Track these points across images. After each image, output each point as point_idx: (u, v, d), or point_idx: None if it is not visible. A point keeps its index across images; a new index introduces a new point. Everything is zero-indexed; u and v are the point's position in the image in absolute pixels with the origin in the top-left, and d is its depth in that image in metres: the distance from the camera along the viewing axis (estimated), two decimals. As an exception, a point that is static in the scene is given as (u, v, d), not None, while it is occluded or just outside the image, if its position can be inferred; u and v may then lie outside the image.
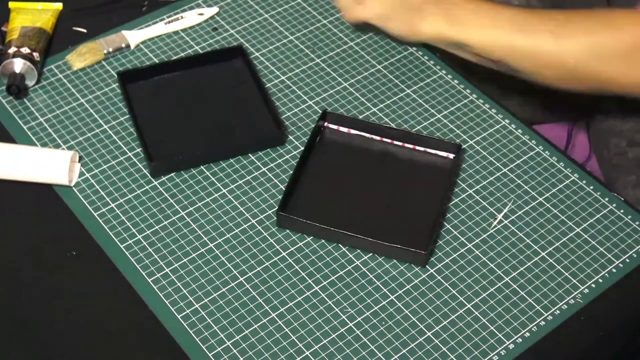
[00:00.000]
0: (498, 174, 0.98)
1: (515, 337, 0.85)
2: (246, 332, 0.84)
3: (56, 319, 0.85)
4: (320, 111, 1.03)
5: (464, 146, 1.01)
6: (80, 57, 1.09)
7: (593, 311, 0.87)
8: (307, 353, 0.83)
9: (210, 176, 0.97)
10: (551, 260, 0.91)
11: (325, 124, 1.02)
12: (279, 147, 1.01)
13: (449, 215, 0.95)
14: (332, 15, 1.17)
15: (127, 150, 1.00)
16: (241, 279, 0.88)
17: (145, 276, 0.88)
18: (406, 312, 0.86)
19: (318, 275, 0.89)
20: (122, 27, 1.14)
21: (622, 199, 0.97)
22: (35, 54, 1.06)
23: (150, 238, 0.91)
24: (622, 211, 0.96)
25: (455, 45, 1.03)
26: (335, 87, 1.08)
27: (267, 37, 1.14)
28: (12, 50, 1.06)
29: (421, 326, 0.85)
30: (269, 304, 0.86)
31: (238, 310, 0.86)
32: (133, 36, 1.12)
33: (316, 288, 0.88)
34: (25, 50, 1.05)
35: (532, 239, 0.93)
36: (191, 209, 0.94)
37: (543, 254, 0.92)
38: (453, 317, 0.86)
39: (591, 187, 0.98)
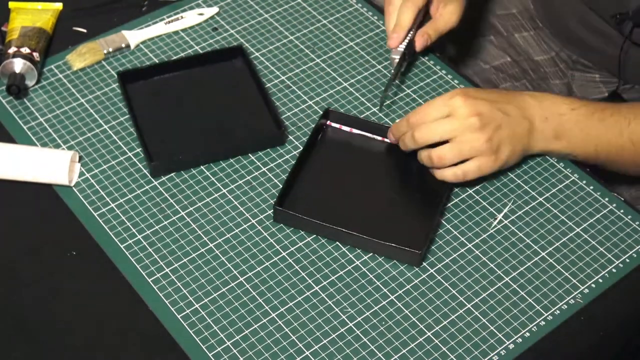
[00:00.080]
0: (498, 174, 0.98)
1: (515, 337, 0.85)
2: (246, 332, 0.84)
3: (56, 319, 0.85)
4: (321, 111, 1.03)
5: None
6: (80, 57, 1.09)
7: (593, 311, 0.87)
8: (307, 353, 0.83)
9: (210, 176, 0.97)
10: (551, 260, 0.91)
11: (328, 122, 1.02)
12: (279, 147, 1.01)
13: (448, 215, 0.95)
14: (332, 15, 1.17)
15: (127, 150, 1.00)
16: (241, 278, 0.88)
17: (145, 276, 0.88)
18: (406, 312, 0.86)
19: (318, 275, 0.89)
20: (122, 27, 1.14)
21: (622, 199, 0.97)
22: (35, 54, 1.06)
23: (150, 238, 0.91)
24: (622, 211, 0.96)
25: (559, 154, 1.00)
26: (336, 87, 1.08)
27: (267, 37, 1.14)
28: (12, 50, 1.06)
29: (421, 326, 0.85)
30: (269, 304, 0.86)
31: (238, 310, 0.86)
32: (133, 36, 1.12)
33: (316, 288, 0.88)
34: (25, 50, 1.05)
35: (532, 239, 0.93)
36: (191, 209, 0.94)
37: (543, 254, 0.92)
38: (453, 317, 0.86)
39: (591, 187, 0.98)
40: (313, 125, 1.01)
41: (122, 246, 0.90)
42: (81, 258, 0.90)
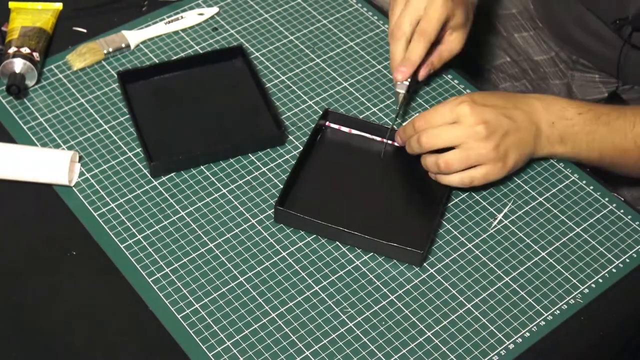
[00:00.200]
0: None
1: (515, 337, 0.85)
2: (246, 332, 0.84)
3: (56, 319, 0.85)
4: (321, 111, 1.04)
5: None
6: (80, 57, 1.09)
7: (593, 311, 0.87)
8: (307, 353, 0.83)
9: (210, 176, 0.97)
10: (551, 260, 0.91)
11: (327, 122, 1.02)
12: (279, 147, 1.01)
13: (449, 215, 0.95)
14: (332, 15, 1.17)
15: (127, 150, 1.00)
16: (241, 278, 0.88)
17: (145, 276, 0.88)
18: (406, 312, 0.86)
19: (318, 275, 0.89)
20: (122, 27, 1.14)
21: (622, 199, 0.97)
22: (35, 54, 1.06)
23: (150, 238, 0.91)
24: (622, 211, 0.96)
25: (563, 157, 1.00)
26: (335, 87, 1.08)
27: (267, 37, 1.14)
28: (12, 50, 1.06)
29: (421, 326, 0.85)
30: (269, 304, 0.86)
31: (238, 310, 0.86)
32: (133, 36, 1.12)
33: (316, 288, 0.88)
34: (25, 50, 1.05)
35: (532, 239, 0.93)
36: (191, 209, 0.94)
37: (543, 254, 0.92)
38: (453, 317, 0.86)
39: (591, 187, 0.98)
40: (313, 126, 1.01)
41: (122, 246, 0.90)
42: (81, 258, 0.90)
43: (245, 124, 1.02)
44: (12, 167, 0.95)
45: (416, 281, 0.89)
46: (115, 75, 1.06)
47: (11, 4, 1.15)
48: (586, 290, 0.89)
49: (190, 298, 0.86)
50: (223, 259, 0.90)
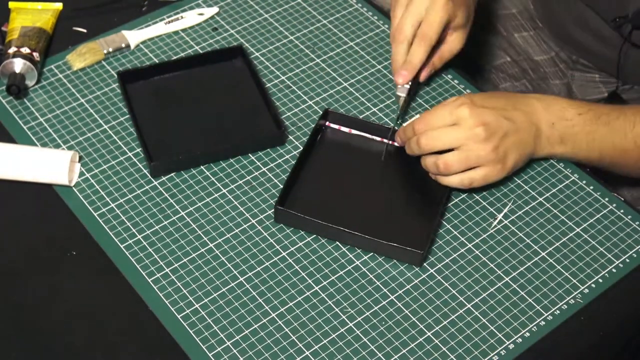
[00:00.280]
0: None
1: (515, 337, 0.85)
2: (246, 332, 0.84)
3: (56, 319, 0.85)
4: (321, 111, 1.04)
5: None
6: (80, 57, 1.09)
7: (593, 311, 0.87)
8: (307, 353, 0.83)
9: (210, 176, 0.97)
10: (551, 260, 0.91)
11: (327, 122, 1.02)
12: (279, 147, 1.01)
13: (448, 215, 0.95)
14: (332, 15, 1.17)
15: (127, 150, 1.00)
16: (241, 279, 0.88)
17: (145, 276, 0.88)
18: (406, 312, 0.86)
19: (318, 275, 0.89)
20: (122, 27, 1.14)
21: (622, 199, 0.97)
22: (35, 54, 1.06)
23: (150, 238, 0.91)
24: (622, 211, 0.96)
25: (562, 158, 1.00)
26: (335, 87, 1.08)
27: (267, 37, 1.14)
28: (12, 50, 1.06)
29: (421, 326, 0.85)
30: (269, 304, 0.86)
31: (238, 310, 0.86)
32: (133, 36, 1.12)
33: (316, 288, 0.88)
34: (25, 50, 1.05)
35: (532, 239, 0.93)
36: (191, 209, 0.94)
37: (543, 254, 0.92)
38: (453, 317, 0.86)
39: (591, 187, 0.98)
40: (313, 126, 1.01)
41: (122, 246, 0.90)
42: (81, 258, 0.90)
43: (245, 124, 1.02)
44: (12, 167, 0.95)
45: (416, 281, 0.89)
46: (115, 75, 1.06)
47: (11, 4, 1.15)
48: (586, 290, 0.89)
49: (190, 298, 0.86)
50: (223, 259, 0.90)
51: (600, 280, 0.90)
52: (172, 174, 0.97)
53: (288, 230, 0.92)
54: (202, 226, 0.93)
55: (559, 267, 0.90)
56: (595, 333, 0.86)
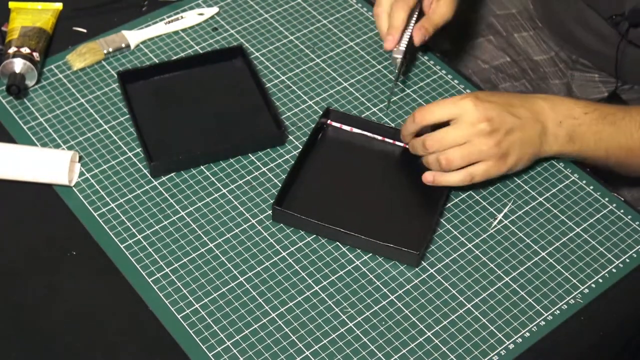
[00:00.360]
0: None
1: (515, 337, 0.85)
2: (246, 332, 0.84)
3: (56, 319, 0.85)
4: (321, 111, 1.03)
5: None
6: (80, 57, 1.09)
7: (593, 311, 0.87)
8: (307, 353, 0.83)
9: (210, 176, 0.97)
10: (551, 260, 0.91)
11: (328, 121, 1.02)
12: (279, 147, 1.01)
13: (448, 215, 0.95)
14: (332, 15, 1.17)
15: (127, 150, 1.00)
16: (241, 279, 0.88)
17: (145, 276, 0.88)
18: (406, 312, 0.86)
19: (318, 275, 0.89)
20: (122, 27, 1.14)
21: (622, 199, 0.97)
22: (35, 54, 1.06)
23: (150, 238, 0.91)
24: (622, 211, 0.96)
25: (569, 157, 1.00)
26: (336, 87, 1.08)
27: (267, 37, 1.14)
28: (12, 50, 1.06)
29: (421, 326, 0.85)
30: (269, 304, 0.86)
31: (238, 310, 0.86)
32: (133, 36, 1.12)
33: (316, 288, 0.88)
34: (25, 50, 1.05)
35: (532, 239, 0.93)
36: (191, 209, 0.94)
37: (543, 254, 0.92)
38: (453, 317, 0.86)
39: (591, 187, 0.98)
40: (313, 125, 1.01)
41: (122, 246, 0.90)
42: (81, 258, 0.90)
43: (245, 124, 1.02)
44: (12, 167, 0.95)
45: (416, 281, 0.89)
46: (115, 75, 1.06)
47: (11, 4, 1.15)
48: (586, 290, 0.89)
49: (190, 298, 0.86)
50: (223, 259, 0.90)
51: (600, 280, 0.90)
52: (172, 174, 0.97)
53: (288, 230, 0.92)
54: (202, 226, 0.93)
55: (559, 267, 0.90)
56: (595, 333, 0.86)
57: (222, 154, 0.99)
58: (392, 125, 1.03)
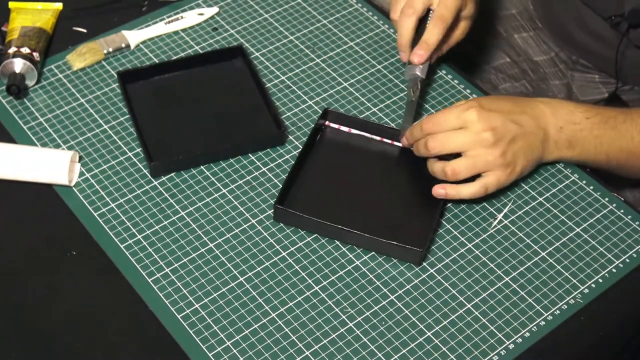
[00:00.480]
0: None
1: (515, 337, 0.85)
2: (246, 332, 0.84)
3: (56, 319, 0.85)
4: (321, 111, 1.03)
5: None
6: (80, 57, 1.09)
7: (593, 311, 0.87)
8: (307, 353, 0.83)
9: (210, 176, 0.97)
10: (551, 260, 0.91)
11: (326, 122, 1.02)
12: (279, 147, 1.01)
13: (448, 215, 0.95)
14: (332, 15, 1.17)
15: (127, 150, 1.00)
16: (241, 278, 0.88)
17: (145, 276, 0.88)
18: (406, 312, 0.86)
19: (318, 275, 0.89)
20: (122, 27, 1.14)
21: (622, 199, 0.97)
22: (35, 54, 1.06)
23: (150, 238, 0.91)
24: (622, 211, 0.96)
25: (570, 161, 1.00)
26: (335, 87, 1.08)
27: (267, 37, 1.14)
28: (12, 50, 1.06)
29: (421, 326, 0.85)
30: (269, 304, 0.86)
31: (238, 310, 0.86)
32: (133, 36, 1.12)
33: (316, 288, 0.88)
34: (25, 50, 1.05)
35: (532, 239, 0.93)
36: (191, 209, 0.94)
37: (543, 254, 0.92)
38: (453, 317, 0.86)
39: (591, 187, 0.98)
40: (313, 125, 1.01)
41: (122, 246, 0.90)
42: (81, 258, 0.90)
43: (245, 124, 1.02)
44: (12, 167, 0.95)
45: (416, 281, 0.89)
46: (115, 75, 1.06)
47: (11, 4, 1.15)
48: (586, 290, 0.89)
49: (190, 298, 0.86)
50: (223, 259, 0.90)
51: (600, 280, 0.90)
52: (172, 174, 0.97)
53: (288, 230, 0.92)
54: (202, 226, 0.93)
55: (559, 267, 0.90)
56: (595, 333, 0.86)
57: (222, 154, 0.99)
58: (392, 125, 1.03)
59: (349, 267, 0.89)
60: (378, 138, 1.01)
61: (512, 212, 0.95)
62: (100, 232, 0.92)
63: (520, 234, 0.93)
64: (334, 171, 0.98)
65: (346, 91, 1.07)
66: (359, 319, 0.85)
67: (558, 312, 0.87)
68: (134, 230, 0.92)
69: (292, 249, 0.91)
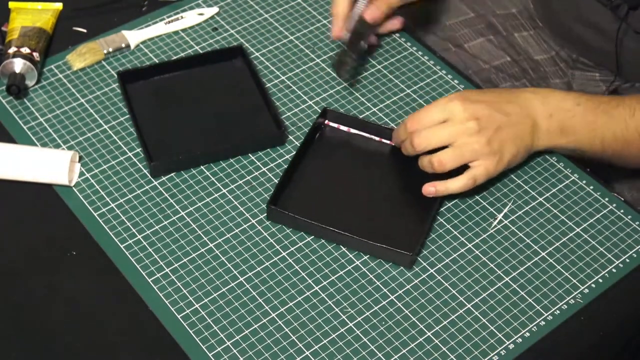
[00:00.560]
0: (498, 174, 0.98)
1: (515, 337, 0.85)
2: (246, 332, 0.84)
3: (56, 319, 0.85)
4: (320, 111, 1.03)
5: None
6: (80, 57, 1.09)
7: (593, 311, 0.87)
8: (307, 353, 0.83)
9: (210, 176, 0.97)
10: (551, 260, 0.91)
11: (325, 121, 1.02)
12: (279, 147, 1.01)
13: (448, 215, 0.95)
14: (332, 15, 1.17)
15: (127, 150, 1.00)
16: (241, 278, 0.88)
17: (145, 276, 0.88)
18: (406, 312, 0.86)
19: (318, 275, 0.89)
20: (122, 27, 1.14)
21: (622, 199, 0.97)
22: (35, 54, 1.06)
23: (150, 238, 0.91)
24: (622, 211, 0.96)
25: (565, 149, 0.99)
26: (335, 87, 1.08)
27: (267, 37, 1.14)
28: (12, 50, 1.06)
29: (421, 326, 0.85)
30: (269, 304, 0.86)
31: (238, 310, 0.86)
32: (133, 36, 1.12)
33: (316, 288, 0.88)
34: (25, 50, 1.05)
35: (532, 239, 0.93)
36: (191, 209, 0.94)
37: (543, 254, 0.92)
38: (453, 317, 0.86)
39: (591, 187, 0.98)
40: (312, 124, 1.01)
41: (122, 246, 0.90)
42: (81, 258, 0.90)
43: (245, 124, 1.02)
44: (12, 167, 0.95)
45: (416, 281, 0.89)
46: (115, 75, 1.06)
47: (11, 4, 1.15)
48: (586, 290, 0.89)
49: (190, 298, 0.86)
50: (223, 259, 0.90)
51: (600, 280, 0.90)
52: (172, 174, 0.97)
53: (288, 231, 0.92)
54: (202, 226, 0.93)
55: (559, 267, 0.90)
56: (595, 333, 0.86)
57: (222, 154, 0.99)
58: (392, 125, 1.03)
59: (349, 267, 0.89)
60: (377, 138, 1.01)
61: (512, 212, 0.95)
62: (100, 232, 0.92)
63: (520, 234, 0.93)
64: (332, 171, 0.98)
65: (346, 91, 1.07)
66: (359, 319, 0.85)
67: (558, 312, 0.87)
68: (134, 230, 0.92)
69: (292, 249, 0.91)
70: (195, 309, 0.85)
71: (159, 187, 0.96)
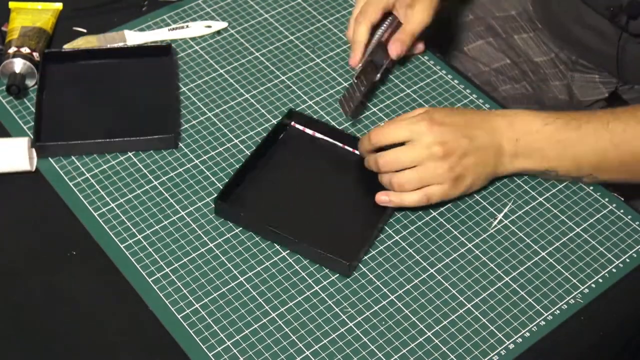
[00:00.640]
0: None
1: (515, 337, 0.85)
2: (246, 332, 0.84)
3: (56, 319, 0.85)
4: (320, 111, 1.03)
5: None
6: (74, 44, 1.09)
7: (593, 311, 0.87)
8: (307, 353, 0.83)
9: (210, 176, 0.97)
10: (551, 260, 0.91)
11: (292, 123, 1.02)
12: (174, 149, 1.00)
13: (448, 215, 0.95)
14: (332, 15, 1.17)
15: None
16: (241, 278, 0.88)
17: (145, 276, 0.88)
18: (406, 312, 0.86)
19: (318, 275, 0.89)
20: (122, 27, 1.14)
21: (622, 199, 0.97)
22: (35, 54, 1.06)
23: (150, 238, 0.91)
24: (622, 211, 0.96)
25: (535, 172, 0.98)
26: (335, 87, 1.08)
27: (267, 37, 1.14)
28: (12, 50, 1.06)
29: (421, 326, 0.85)
30: (269, 303, 0.86)
31: (238, 310, 0.86)
32: (133, 37, 1.12)
33: (316, 288, 0.88)
34: (25, 50, 1.06)
35: (532, 239, 0.93)
36: (191, 209, 0.94)
37: (543, 254, 0.92)
38: (453, 317, 0.86)
39: (591, 187, 0.98)
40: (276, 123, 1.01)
41: (122, 246, 0.90)
42: (81, 258, 0.90)
43: (144, 122, 1.01)
44: None
45: (416, 281, 0.89)
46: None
47: (11, 4, 1.15)
48: (586, 290, 0.89)
49: (190, 298, 0.86)
50: (223, 258, 0.90)
51: (600, 280, 0.90)
52: (173, 174, 0.97)
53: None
54: (202, 226, 0.93)
55: (559, 267, 0.90)
56: (595, 333, 0.86)
57: (115, 145, 0.98)
58: (357, 135, 1.01)
59: (349, 267, 0.90)
60: (341, 145, 1.00)
61: (512, 212, 0.95)
62: (100, 232, 0.92)
63: (520, 234, 0.93)
64: (290, 172, 0.97)
65: (346, 91, 1.07)
66: (359, 319, 0.85)
67: (558, 312, 0.87)
68: (134, 230, 0.92)
69: (292, 249, 0.91)
70: (195, 309, 0.85)
71: (159, 187, 0.96)
